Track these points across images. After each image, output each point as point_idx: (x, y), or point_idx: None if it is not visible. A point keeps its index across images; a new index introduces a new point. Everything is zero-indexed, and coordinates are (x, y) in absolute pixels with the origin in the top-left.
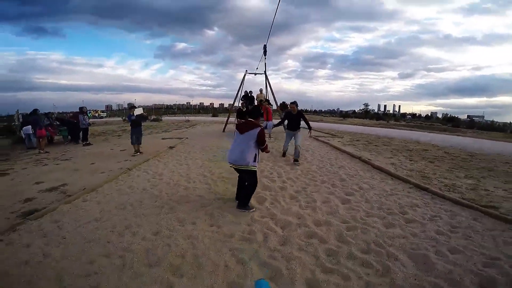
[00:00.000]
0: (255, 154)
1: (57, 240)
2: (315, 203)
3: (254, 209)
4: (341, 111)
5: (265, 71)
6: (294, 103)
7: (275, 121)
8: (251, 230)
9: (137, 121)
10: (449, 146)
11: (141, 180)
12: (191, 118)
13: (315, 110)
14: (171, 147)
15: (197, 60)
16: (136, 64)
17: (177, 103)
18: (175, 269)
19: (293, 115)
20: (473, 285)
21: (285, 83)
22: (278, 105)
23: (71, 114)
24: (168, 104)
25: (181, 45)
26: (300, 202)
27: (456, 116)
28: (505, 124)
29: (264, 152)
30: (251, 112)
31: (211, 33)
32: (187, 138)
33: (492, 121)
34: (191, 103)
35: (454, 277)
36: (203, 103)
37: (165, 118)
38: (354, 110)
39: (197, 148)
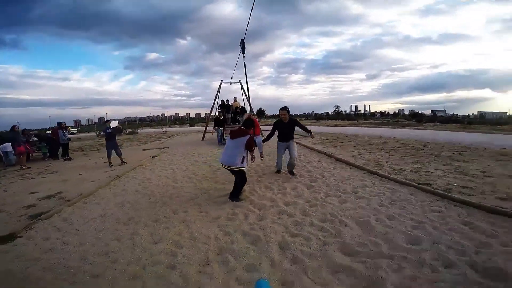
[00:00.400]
0: (243, 157)
1: (72, 232)
2: (285, 190)
3: (243, 200)
4: (315, 113)
5: (246, 78)
6: (285, 109)
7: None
8: (234, 213)
9: (113, 133)
10: (407, 138)
11: (132, 184)
12: (168, 129)
13: (291, 114)
14: (154, 156)
15: (169, 70)
16: (105, 76)
17: (151, 115)
18: (175, 243)
19: (285, 124)
20: (403, 242)
21: (261, 90)
22: (254, 112)
23: (50, 131)
24: (142, 116)
25: (152, 55)
26: (273, 190)
27: (420, 112)
28: (464, 116)
29: (252, 159)
30: (244, 122)
31: (184, 42)
32: (167, 148)
33: (453, 115)
34: (165, 115)
35: (389, 237)
36: (178, 113)
37: (141, 130)
38: (328, 112)
39: (179, 156)
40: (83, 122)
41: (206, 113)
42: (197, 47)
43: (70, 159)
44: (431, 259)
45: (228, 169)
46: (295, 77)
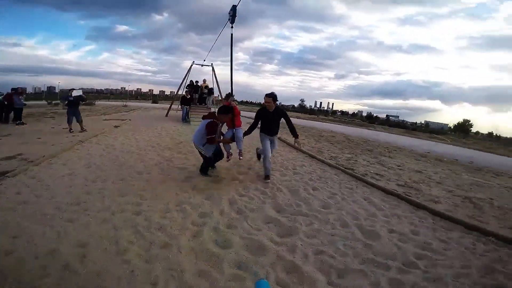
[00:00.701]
0: (205, 142)
1: (42, 187)
2: (240, 162)
3: (210, 176)
4: (282, 105)
5: (231, 54)
6: (271, 96)
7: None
8: (191, 177)
9: (75, 101)
10: (354, 135)
11: (96, 149)
12: (129, 103)
13: (260, 102)
14: (116, 126)
15: (138, 44)
16: (63, 44)
17: (110, 87)
18: (140, 196)
19: (269, 114)
20: (318, 206)
21: (234, 75)
22: (224, 96)
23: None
24: (98, 88)
25: (122, 28)
26: (230, 162)
27: (376, 115)
28: (412, 123)
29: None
30: (220, 108)
31: (159, 18)
32: (129, 120)
33: (403, 121)
34: (126, 89)
35: (309, 201)
36: (140, 89)
37: (98, 102)
38: (294, 105)
39: (142, 128)
40: (29, 90)
41: (171, 91)
42: (172, 24)
43: (23, 123)
44: (333, 220)
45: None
46: (269, 67)
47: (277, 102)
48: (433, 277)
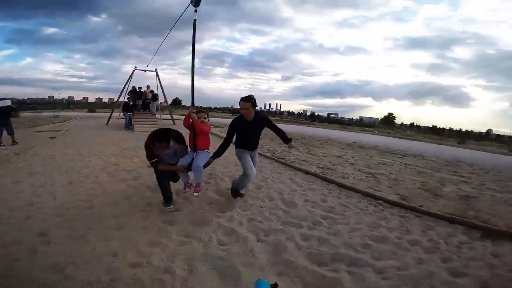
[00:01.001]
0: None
1: None
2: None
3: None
4: (234, 108)
5: (193, 42)
6: (249, 101)
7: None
8: (140, 176)
9: (3, 112)
10: (294, 132)
11: (35, 160)
12: (62, 114)
13: (211, 107)
14: (52, 137)
15: (70, 48)
16: None
17: (36, 96)
18: (91, 195)
19: (248, 124)
20: (253, 188)
21: (181, 79)
22: (168, 103)
23: None
24: (20, 98)
25: (50, 30)
26: None
27: (318, 113)
28: (349, 119)
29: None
30: (153, 134)
31: (97, 20)
32: (66, 130)
33: (341, 117)
34: (56, 97)
35: (235, 175)
36: (73, 97)
37: (23, 114)
38: None
39: (81, 137)
40: None
41: (109, 99)
42: (112, 27)
43: None
44: (263, 196)
45: None
46: (220, 70)
47: (257, 108)
48: (333, 232)
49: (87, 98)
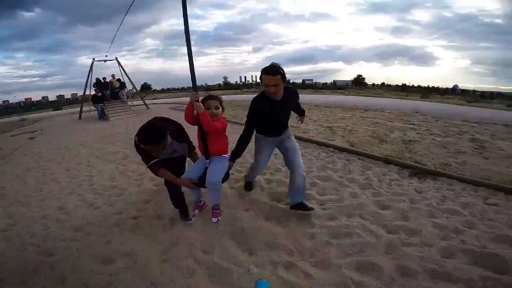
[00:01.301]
0: None
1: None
2: None
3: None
4: (208, 85)
5: (186, 24)
6: (278, 72)
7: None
8: (128, 156)
9: None
10: None
11: (24, 159)
12: (25, 116)
13: (183, 87)
14: (31, 138)
15: (7, 48)
16: None
17: None
18: (89, 177)
19: (276, 105)
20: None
21: (145, 63)
22: (137, 89)
23: None
24: None
25: None
26: None
27: (293, 81)
28: (323, 84)
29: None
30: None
31: (30, 15)
32: (42, 130)
33: (316, 83)
34: (11, 102)
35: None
36: (30, 98)
37: None
38: (220, 84)
39: (60, 134)
40: None
41: (72, 94)
42: (51, 20)
43: None
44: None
45: None
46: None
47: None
48: (286, 176)
49: (47, 97)
